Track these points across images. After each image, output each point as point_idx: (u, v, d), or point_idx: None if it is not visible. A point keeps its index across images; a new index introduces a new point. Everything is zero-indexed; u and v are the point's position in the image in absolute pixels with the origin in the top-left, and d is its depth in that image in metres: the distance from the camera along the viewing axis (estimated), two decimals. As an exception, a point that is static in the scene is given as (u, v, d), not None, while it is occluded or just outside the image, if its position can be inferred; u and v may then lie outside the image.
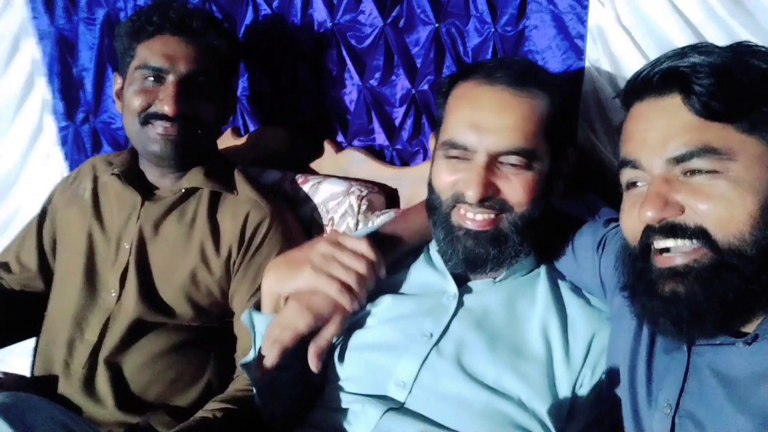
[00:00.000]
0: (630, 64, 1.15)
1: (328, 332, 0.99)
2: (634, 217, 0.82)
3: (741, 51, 0.79)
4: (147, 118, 1.27)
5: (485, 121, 1.02)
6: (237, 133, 1.71)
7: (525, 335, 1.04)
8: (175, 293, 1.28)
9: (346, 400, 1.05)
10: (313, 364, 0.96)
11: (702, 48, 0.80)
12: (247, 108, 1.69)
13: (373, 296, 1.10)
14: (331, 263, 1.00)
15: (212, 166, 1.36)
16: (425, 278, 1.14)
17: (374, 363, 1.06)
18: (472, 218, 1.04)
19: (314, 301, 0.99)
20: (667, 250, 0.80)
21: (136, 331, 1.26)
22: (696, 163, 0.76)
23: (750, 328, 0.78)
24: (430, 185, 1.11)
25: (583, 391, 1.00)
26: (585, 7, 1.19)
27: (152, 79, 1.27)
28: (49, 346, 1.32)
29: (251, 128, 1.71)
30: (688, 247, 0.77)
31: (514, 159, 1.01)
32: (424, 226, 1.16)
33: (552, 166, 1.05)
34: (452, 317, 1.07)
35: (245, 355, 1.25)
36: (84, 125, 1.99)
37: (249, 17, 1.61)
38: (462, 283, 1.11)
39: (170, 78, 1.26)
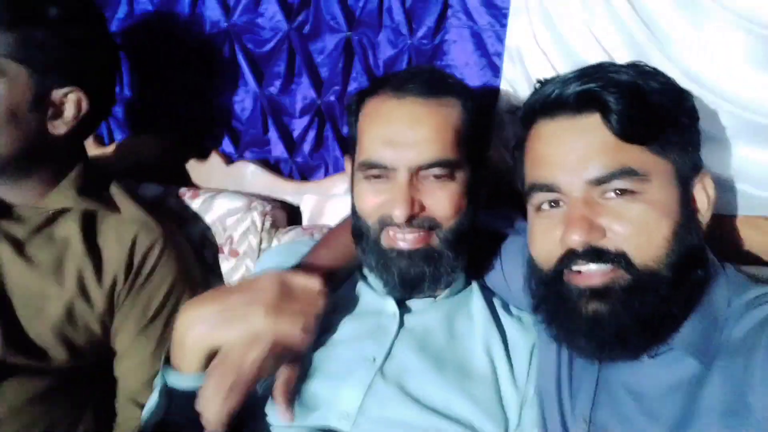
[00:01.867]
0: (545, 84, 1.19)
1: (291, 376, 0.91)
2: (552, 241, 0.81)
3: (642, 72, 0.82)
4: None
5: (400, 136, 0.98)
6: (100, 141, 1.49)
7: (469, 355, 1.01)
8: (45, 331, 1.04)
9: None
10: (288, 414, 0.90)
11: (611, 67, 0.82)
12: (115, 113, 1.47)
13: None
14: (290, 305, 0.90)
15: (85, 180, 1.14)
16: (361, 299, 1.07)
17: (313, 394, 0.96)
18: (402, 238, 0.99)
19: (275, 347, 0.88)
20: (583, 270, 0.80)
21: None
22: (615, 184, 0.77)
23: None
24: (354, 211, 1.05)
25: (527, 407, 0.99)
26: (504, 26, 1.21)
27: None
28: None
29: (118, 136, 1.49)
30: (606, 268, 0.78)
31: (436, 171, 0.97)
32: (352, 251, 1.08)
33: (473, 175, 1.03)
34: (394, 339, 1.00)
35: (130, 402, 1.07)
36: None
37: (123, 10, 1.41)
38: (401, 303, 1.04)
39: None
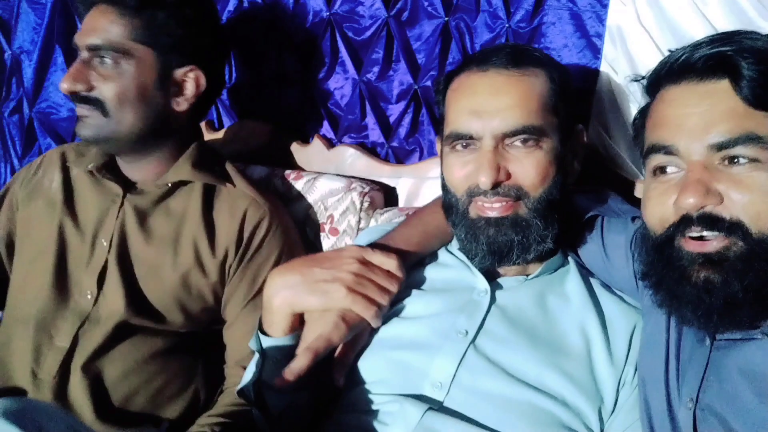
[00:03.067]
0: (648, 64, 1.15)
1: (356, 348, 1.00)
2: (666, 205, 0.79)
3: None
4: (72, 99, 1.14)
5: (484, 105, 1.00)
6: (211, 126, 1.59)
7: (563, 333, 1.01)
8: (164, 297, 1.15)
9: (378, 402, 0.97)
10: (339, 377, 0.99)
11: (745, 34, 0.79)
12: (224, 100, 1.57)
13: (398, 293, 1.03)
14: (365, 284, 0.97)
15: (200, 157, 1.23)
16: (450, 275, 1.09)
17: (405, 363, 0.99)
18: (490, 206, 1.01)
19: (349, 315, 0.97)
20: (700, 237, 0.78)
21: (117, 336, 1.12)
22: (738, 150, 0.74)
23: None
24: (444, 186, 1.07)
25: (627, 389, 0.97)
26: (605, 6, 1.20)
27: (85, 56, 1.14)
28: (8, 355, 1.13)
29: (227, 122, 1.59)
30: (721, 236, 0.76)
31: (521, 138, 0.99)
32: (441, 229, 1.11)
33: (562, 144, 1.03)
34: (486, 314, 1.02)
35: (237, 366, 1.16)
36: (14, 116, 1.77)
37: (233, 3, 1.50)
38: (492, 280, 1.06)
39: (82, 55, 1.13)
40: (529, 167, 0.99)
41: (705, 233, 0.75)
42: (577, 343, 0.99)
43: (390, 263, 1.00)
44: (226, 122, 1.60)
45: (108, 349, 1.11)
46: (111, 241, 1.15)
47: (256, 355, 0.98)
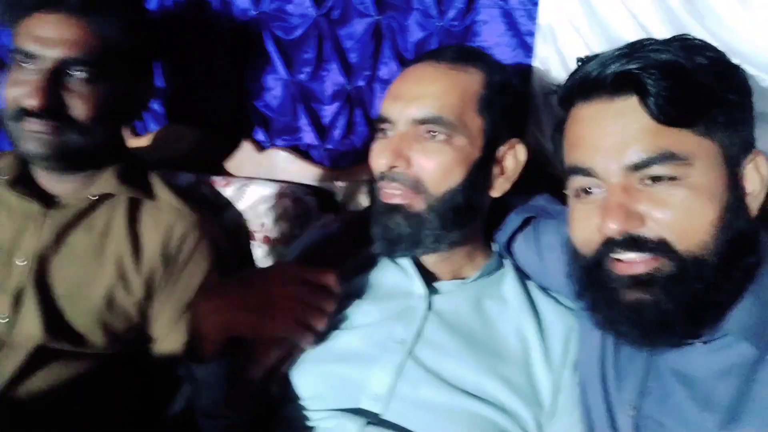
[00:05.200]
0: (579, 62, 1.16)
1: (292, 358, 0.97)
2: (591, 228, 0.78)
3: (687, 47, 0.77)
4: (20, 112, 1.05)
5: (405, 91, 0.99)
6: (133, 131, 1.50)
7: (501, 338, 0.99)
8: (86, 317, 1.07)
9: (314, 418, 0.94)
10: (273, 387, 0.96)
11: (651, 46, 0.77)
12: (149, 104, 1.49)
13: None
14: (302, 308, 0.92)
15: (126, 169, 1.16)
16: (388, 280, 1.06)
17: (342, 376, 0.95)
18: (390, 192, 0.98)
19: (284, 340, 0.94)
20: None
21: (35, 362, 1.03)
22: (656, 170, 0.73)
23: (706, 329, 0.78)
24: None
25: (565, 392, 0.96)
26: (535, 4, 1.19)
27: (29, 66, 1.05)
28: None
29: (151, 127, 1.51)
30: (647, 256, 0.75)
31: (430, 128, 0.96)
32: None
33: (484, 151, 0.99)
34: (423, 321, 0.99)
35: None
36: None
37: (155, 2, 1.43)
38: (428, 284, 1.03)
39: (39, 65, 1.05)
40: (428, 160, 0.96)
41: (630, 255, 0.75)
42: (514, 347, 0.98)
43: (329, 280, 0.94)
44: (151, 126, 1.52)
45: (27, 376, 1.03)
46: (29, 260, 1.07)
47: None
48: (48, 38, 1.04)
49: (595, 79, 0.78)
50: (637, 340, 0.78)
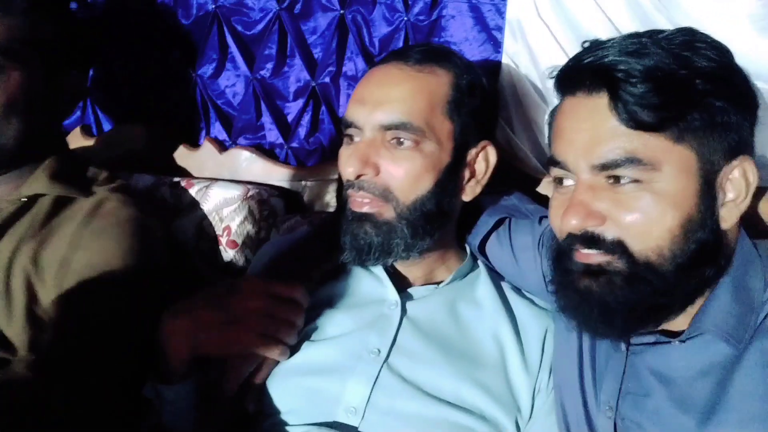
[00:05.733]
0: (548, 58, 1.14)
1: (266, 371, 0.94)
2: (560, 218, 0.79)
3: (688, 45, 0.74)
4: None
5: (370, 95, 0.96)
6: (88, 132, 1.44)
7: (476, 342, 0.97)
8: (12, 323, 0.99)
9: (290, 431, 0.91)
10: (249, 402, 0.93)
11: (643, 49, 0.74)
12: (102, 102, 1.42)
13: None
14: (269, 323, 0.90)
15: (61, 167, 1.09)
16: (361, 287, 1.03)
17: (316, 389, 0.93)
18: (359, 201, 0.95)
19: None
20: None
21: None
22: (621, 171, 0.73)
23: (682, 325, 0.79)
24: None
25: (542, 395, 0.96)
26: (504, -1, 1.16)
27: None
28: None
29: (106, 126, 1.44)
30: (602, 252, 0.76)
31: (397, 134, 0.93)
32: None
33: (454, 155, 0.97)
34: (397, 329, 0.97)
35: None
36: None
37: (104, -7, 1.36)
38: (401, 290, 1.01)
39: None
40: (397, 167, 0.93)
41: (586, 251, 0.76)
42: (491, 351, 0.97)
43: (293, 292, 0.91)
44: (107, 126, 1.45)
45: None
46: None
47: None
48: None
49: (577, 71, 0.77)
50: (582, 326, 0.80)
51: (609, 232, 0.74)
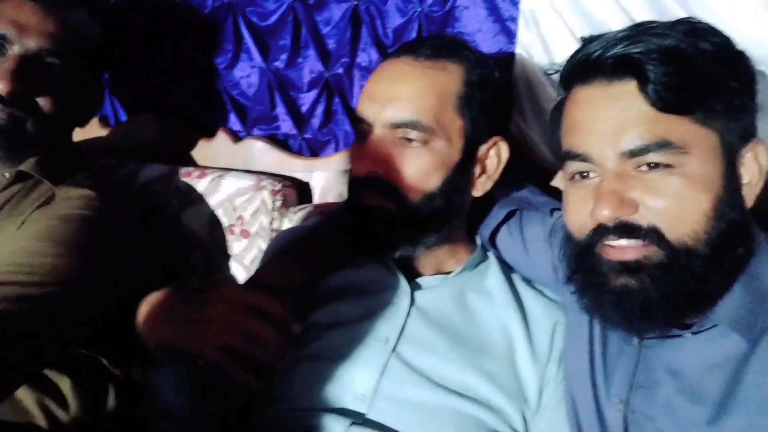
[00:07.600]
0: (562, 49, 1.13)
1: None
2: (583, 212, 0.77)
3: (691, 32, 0.75)
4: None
5: (380, 91, 0.95)
6: (105, 122, 1.45)
7: (485, 333, 0.97)
8: None
9: (297, 418, 0.91)
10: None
11: (655, 30, 0.75)
12: (119, 93, 1.44)
13: (313, 301, 0.99)
14: (230, 337, 0.76)
15: (51, 157, 1.09)
16: (370, 275, 1.03)
17: (325, 376, 0.93)
18: (368, 196, 0.95)
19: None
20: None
21: None
22: (651, 157, 0.72)
23: (695, 319, 0.78)
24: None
25: (550, 387, 0.95)
26: (518, -12, 1.16)
27: None
28: None
29: (122, 116, 1.46)
30: (638, 243, 0.74)
31: (406, 133, 0.93)
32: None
33: (465, 152, 0.96)
34: (406, 317, 0.97)
35: None
36: None
37: (122, -15, 1.37)
38: (411, 279, 1.01)
39: (14, 50, 1.01)
40: (404, 165, 0.93)
41: (622, 242, 0.74)
42: (499, 342, 0.96)
43: (271, 307, 0.78)
44: (123, 117, 1.47)
45: None
46: None
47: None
48: (24, 24, 1.01)
49: (594, 61, 0.76)
50: (621, 325, 0.78)
51: (643, 220, 0.72)
